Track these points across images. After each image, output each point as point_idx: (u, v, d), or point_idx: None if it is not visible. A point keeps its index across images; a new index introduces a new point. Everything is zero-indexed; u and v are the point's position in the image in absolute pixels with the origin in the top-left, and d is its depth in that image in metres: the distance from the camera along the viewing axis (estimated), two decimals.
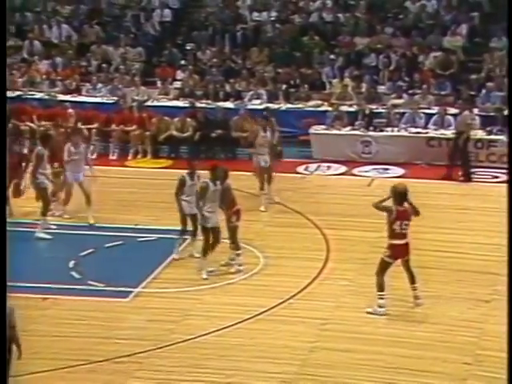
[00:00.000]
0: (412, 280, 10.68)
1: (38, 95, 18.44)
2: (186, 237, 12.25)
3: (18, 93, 18.51)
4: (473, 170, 15.90)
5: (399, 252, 10.50)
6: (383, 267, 10.53)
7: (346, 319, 10.55)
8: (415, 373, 9.34)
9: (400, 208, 10.37)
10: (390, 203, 10.47)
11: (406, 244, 10.50)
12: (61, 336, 10.13)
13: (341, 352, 9.78)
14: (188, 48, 20.33)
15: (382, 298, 10.59)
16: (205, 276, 11.57)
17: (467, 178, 15.66)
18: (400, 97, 18.00)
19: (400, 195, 10.37)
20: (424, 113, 17.19)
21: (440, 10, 20.37)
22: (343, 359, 9.63)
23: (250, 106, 17.74)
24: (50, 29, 20.97)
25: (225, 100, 18.37)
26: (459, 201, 14.54)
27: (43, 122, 17.32)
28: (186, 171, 12.18)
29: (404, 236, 10.43)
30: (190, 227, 12.17)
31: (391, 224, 10.36)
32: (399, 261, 10.63)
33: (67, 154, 13.36)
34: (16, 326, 8.42)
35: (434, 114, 17.03)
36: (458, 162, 15.81)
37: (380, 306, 10.61)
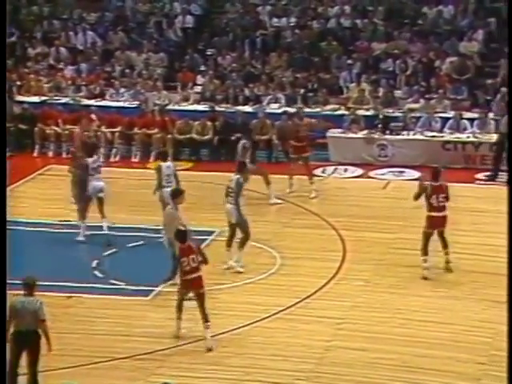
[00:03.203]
0: (445, 246, 11.94)
1: (64, 100, 18.75)
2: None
3: (44, 98, 18.83)
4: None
5: (436, 223, 11.65)
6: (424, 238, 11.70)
7: (361, 319, 10.75)
8: (430, 372, 9.50)
9: (435, 184, 11.71)
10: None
11: (444, 216, 11.80)
12: (84, 333, 10.38)
13: (356, 351, 9.97)
14: (209, 53, 20.52)
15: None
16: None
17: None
18: (416, 101, 18.13)
19: (435, 173, 11.86)
20: (440, 117, 17.34)
21: (457, 16, 20.45)
22: (358, 358, 9.81)
23: (268, 110, 18.00)
24: (76, 36, 21.24)
25: (244, 104, 18.58)
26: (475, 203, 14.63)
27: (68, 126, 17.74)
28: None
29: (441, 209, 11.66)
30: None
31: (428, 198, 11.61)
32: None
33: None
34: (46, 320, 8.62)
35: (449, 118, 17.18)
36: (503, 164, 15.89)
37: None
